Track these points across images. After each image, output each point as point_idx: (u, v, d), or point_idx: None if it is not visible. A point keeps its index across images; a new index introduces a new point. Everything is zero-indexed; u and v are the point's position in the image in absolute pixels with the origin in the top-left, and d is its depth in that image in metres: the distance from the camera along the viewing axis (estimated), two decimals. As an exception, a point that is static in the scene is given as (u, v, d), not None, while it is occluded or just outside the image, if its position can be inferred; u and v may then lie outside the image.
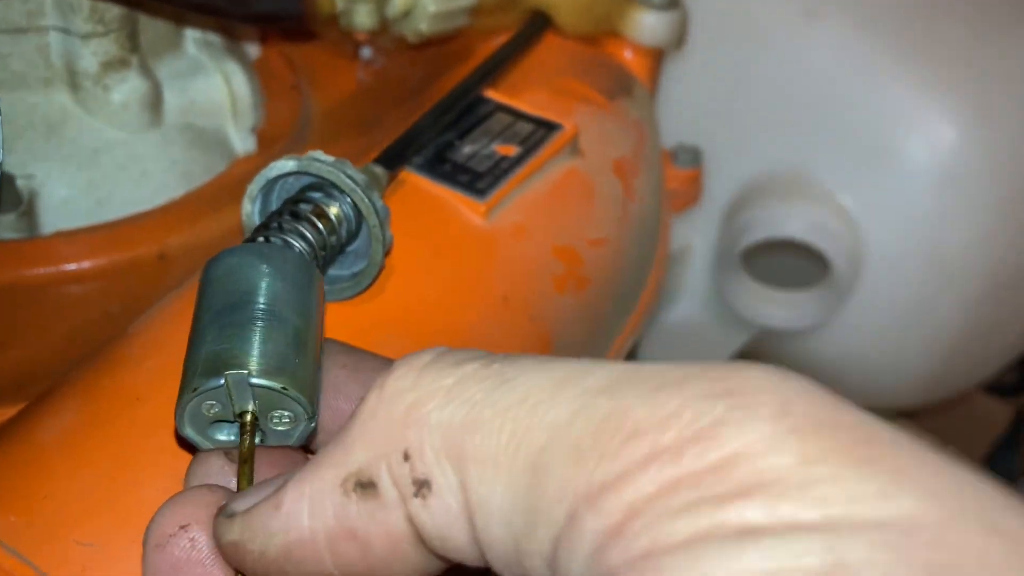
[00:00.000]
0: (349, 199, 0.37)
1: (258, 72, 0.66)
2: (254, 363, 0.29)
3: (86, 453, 0.34)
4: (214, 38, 0.63)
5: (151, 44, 0.59)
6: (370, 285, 0.39)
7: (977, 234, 0.78)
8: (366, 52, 0.69)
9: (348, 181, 0.36)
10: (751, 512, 0.19)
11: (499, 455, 0.22)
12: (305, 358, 0.31)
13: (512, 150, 0.50)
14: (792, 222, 0.77)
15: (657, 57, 0.68)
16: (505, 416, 0.22)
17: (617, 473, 0.21)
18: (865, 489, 0.19)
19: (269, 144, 0.64)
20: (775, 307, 0.81)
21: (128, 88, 0.57)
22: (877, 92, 0.74)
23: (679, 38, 0.66)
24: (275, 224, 0.36)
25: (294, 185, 0.39)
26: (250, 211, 0.38)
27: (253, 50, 0.68)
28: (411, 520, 0.24)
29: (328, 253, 0.37)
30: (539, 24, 0.61)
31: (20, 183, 0.55)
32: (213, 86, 0.61)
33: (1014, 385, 1.20)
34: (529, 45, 0.58)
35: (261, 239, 0.36)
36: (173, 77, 0.60)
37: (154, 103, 0.58)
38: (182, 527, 0.27)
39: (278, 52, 0.70)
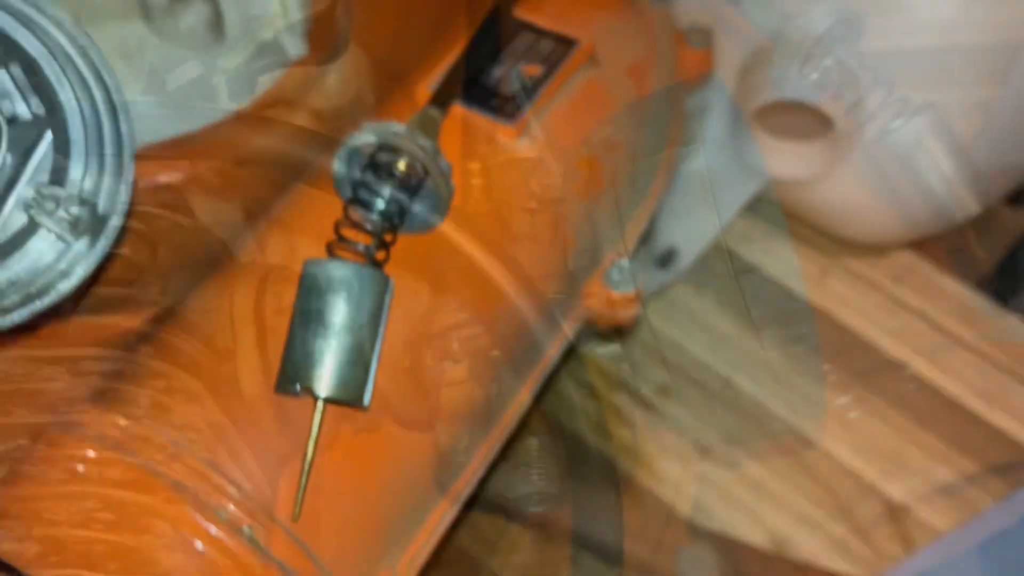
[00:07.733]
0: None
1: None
2: (320, 381, 0.42)
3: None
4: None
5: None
6: (437, 226, 0.50)
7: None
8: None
9: (419, 152, 0.46)
10: None
11: None
12: (361, 363, 0.43)
13: (536, 70, 0.57)
14: (795, 83, 0.83)
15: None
16: None
17: None
18: None
19: (317, 45, 0.71)
20: (781, 159, 0.89)
21: (193, 13, 0.64)
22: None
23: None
24: (364, 187, 0.47)
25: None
26: (338, 168, 0.48)
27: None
28: None
29: (409, 194, 0.47)
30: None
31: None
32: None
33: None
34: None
35: (355, 251, 0.47)
36: (230, -5, 0.67)
37: (216, 22, 0.65)
38: None
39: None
